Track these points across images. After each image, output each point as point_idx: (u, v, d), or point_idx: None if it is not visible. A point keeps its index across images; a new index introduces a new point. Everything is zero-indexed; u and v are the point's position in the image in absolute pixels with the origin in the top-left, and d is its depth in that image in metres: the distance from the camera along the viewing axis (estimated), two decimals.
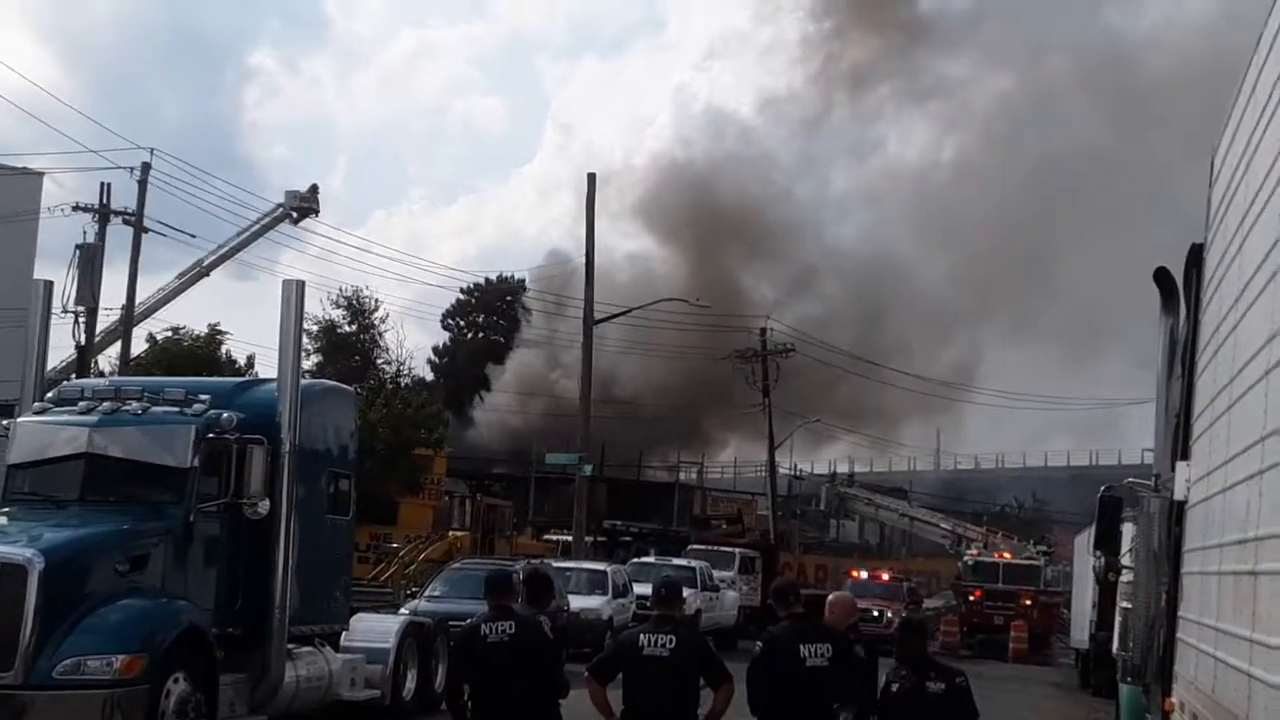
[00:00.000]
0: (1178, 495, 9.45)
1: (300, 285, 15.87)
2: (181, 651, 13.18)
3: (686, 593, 32.67)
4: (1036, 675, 36.65)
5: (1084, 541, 34.29)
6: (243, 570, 14.63)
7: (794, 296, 68.92)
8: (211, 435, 14.30)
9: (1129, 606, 12.77)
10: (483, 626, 9.62)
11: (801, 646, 9.39)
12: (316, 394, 16.62)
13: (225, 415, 14.48)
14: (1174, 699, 9.02)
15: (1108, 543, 13.50)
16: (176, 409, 14.61)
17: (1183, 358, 10.34)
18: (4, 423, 15.02)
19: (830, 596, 10.74)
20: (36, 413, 14.93)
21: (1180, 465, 9.46)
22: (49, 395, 15.61)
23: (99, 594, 12.95)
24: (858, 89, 78.39)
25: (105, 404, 14.57)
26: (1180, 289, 10.45)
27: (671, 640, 9.40)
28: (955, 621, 44.68)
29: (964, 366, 70.23)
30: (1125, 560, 13.58)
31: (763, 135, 79.31)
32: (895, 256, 73.67)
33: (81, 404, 14.70)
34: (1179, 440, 10.14)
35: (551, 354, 70.82)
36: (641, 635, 9.56)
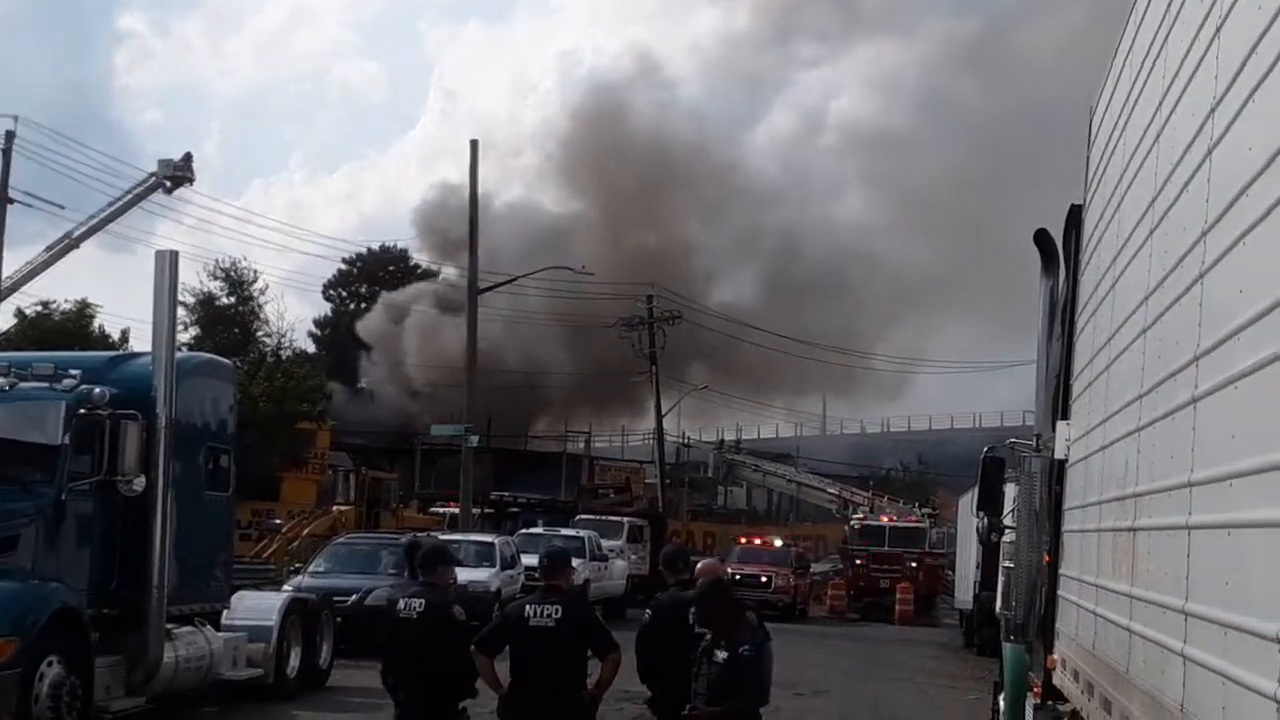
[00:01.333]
0: (1058, 454, 9.52)
1: (174, 255, 15.46)
2: (55, 634, 12.81)
3: (575, 562, 32.91)
4: (922, 636, 37.19)
5: (968, 503, 34.78)
6: (118, 549, 14.27)
7: (690, 263, 68.95)
8: (83, 411, 13.89)
9: (1011, 566, 12.90)
10: (528, 608, 9.47)
11: (529, 608, 9.39)
12: (193, 367, 16.27)
13: (97, 390, 14.08)
14: (1055, 655, 9.10)
15: (990, 503, 13.58)
16: (46, 384, 14.19)
17: (1062, 318, 10.42)
18: None
19: (699, 564, 10.75)
20: None
21: (1060, 425, 9.53)
22: None
23: None
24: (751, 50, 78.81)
25: None
26: (1060, 250, 10.49)
27: (558, 611, 9.36)
28: (843, 585, 45.16)
29: (856, 333, 70.85)
30: (1008, 521, 13.71)
31: (652, 99, 79.17)
32: (789, 223, 74.03)
33: None
34: (1059, 400, 10.23)
35: (435, 323, 70.25)
36: (528, 606, 9.50)
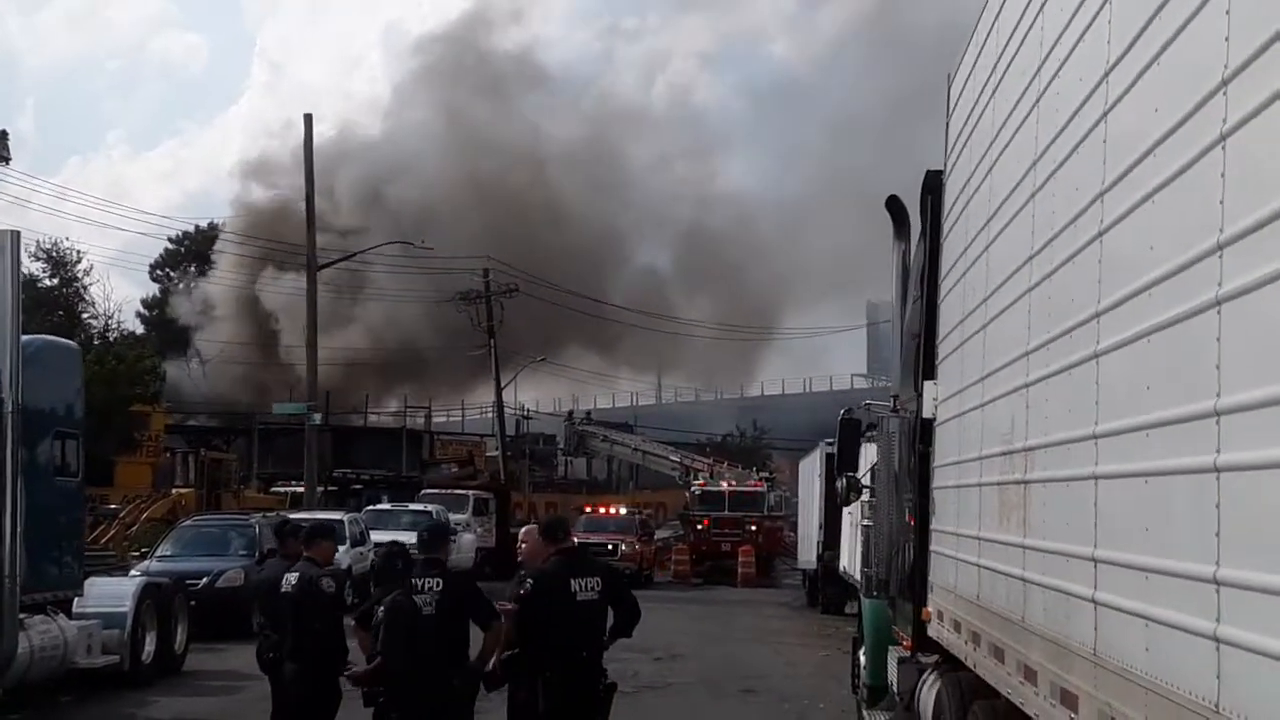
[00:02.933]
0: (925, 413, 9.79)
1: (15, 235, 14.93)
2: None
3: None
4: (765, 598, 37.89)
5: (808, 466, 35.56)
6: None
7: (533, 236, 68.84)
8: None
9: (871, 524, 13.23)
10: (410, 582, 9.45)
11: (572, 581, 9.51)
12: (37, 351, 15.76)
13: None
14: (930, 608, 9.39)
15: (848, 464, 13.90)
16: None
17: (920, 282, 10.70)
18: None
19: (522, 530, 10.91)
20: None
21: (927, 385, 9.79)
22: None
23: None
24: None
25: None
26: (921, 215, 10.75)
27: (439, 583, 9.42)
28: (686, 550, 45.69)
29: (687, 303, 71.48)
30: (865, 481, 14.05)
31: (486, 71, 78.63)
32: (620, 191, 74.21)
33: None
34: (919, 362, 10.51)
35: (255, 300, 69.11)
36: (410, 580, 9.51)
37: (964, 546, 8.07)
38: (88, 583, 17.16)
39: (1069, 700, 5.30)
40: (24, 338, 14.98)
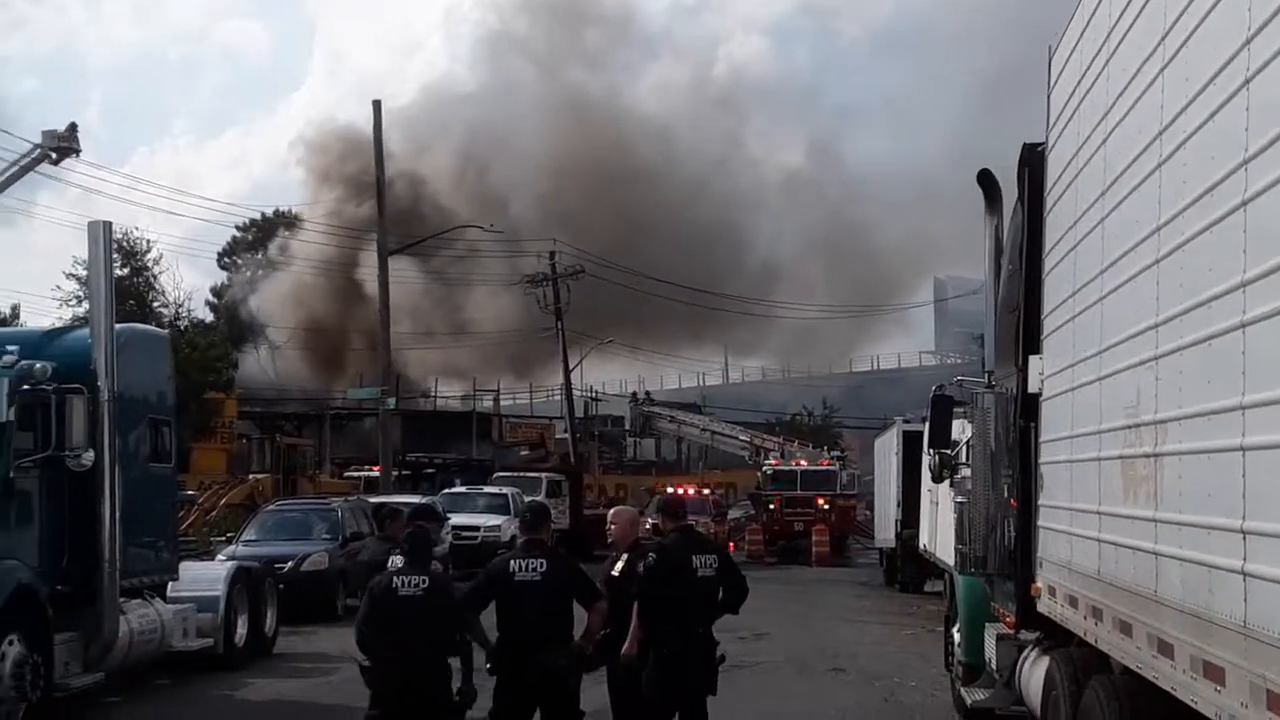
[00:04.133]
0: (1031, 389, 9.72)
1: (108, 225, 15.20)
2: (13, 613, 12.67)
3: (501, 520, 33.09)
4: (841, 576, 37.78)
5: (884, 444, 35.37)
6: (68, 525, 14.08)
7: (590, 220, 68.90)
8: (26, 387, 13.65)
9: (965, 501, 13.16)
10: (513, 564, 9.49)
11: (694, 558, 9.76)
12: (131, 339, 15.98)
13: (39, 365, 13.84)
14: (1039, 584, 9.33)
15: (941, 440, 13.81)
16: None
17: (1021, 256, 10.60)
18: None
19: (611, 511, 10.95)
20: None
21: (1032, 360, 9.72)
22: None
23: None
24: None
25: None
26: (1019, 189, 10.65)
27: (543, 564, 9.48)
28: (759, 530, 45.65)
29: (753, 281, 71.20)
30: (956, 456, 13.96)
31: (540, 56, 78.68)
32: (690, 173, 73.98)
33: None
34: (1020, 337, 10.42)
35: (330, 284, 69.59)
36: (512, 561, 9.59)
37: (1080, 521, 8.01)
38: (181, 567, 17.40)
39: (1213, 673, 5.26)
40: (116, 326, 15.20)
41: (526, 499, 38.15)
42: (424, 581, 9.27)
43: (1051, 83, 9.62)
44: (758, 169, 78.56)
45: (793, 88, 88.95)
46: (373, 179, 41.39)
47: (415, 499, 31.03)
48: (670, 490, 46.96)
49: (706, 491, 50.23)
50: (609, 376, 76.21)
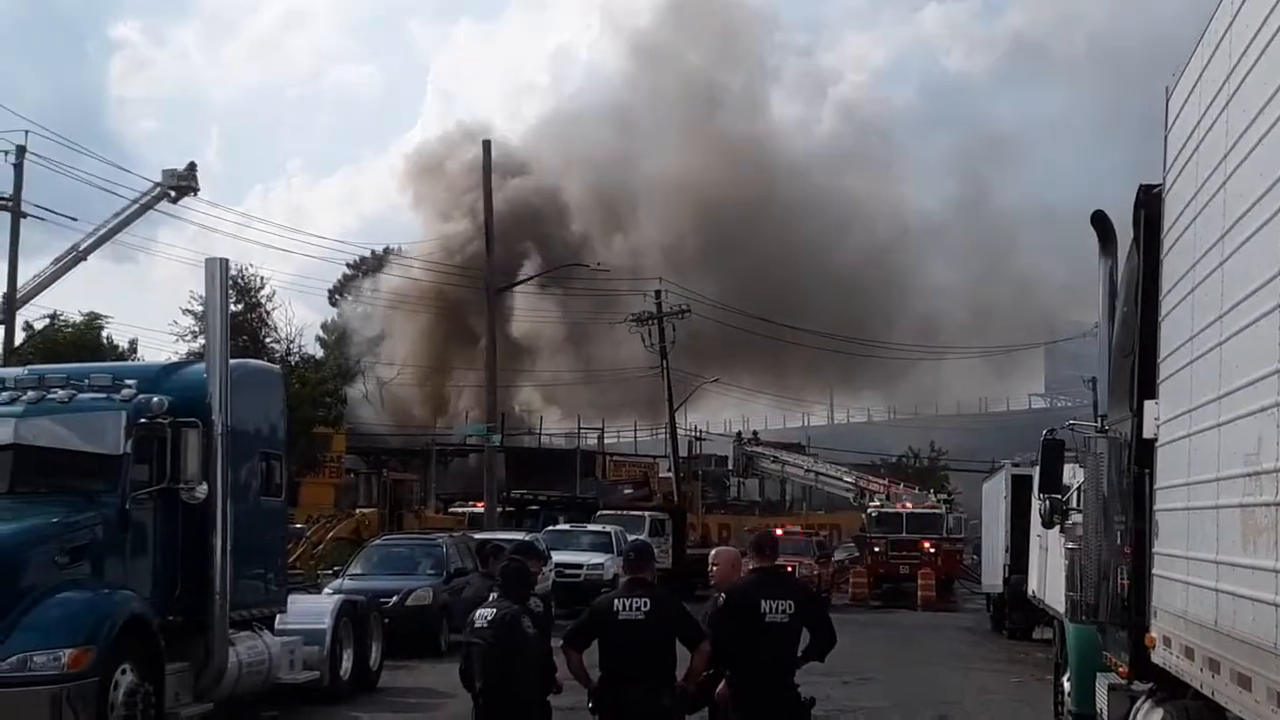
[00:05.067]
0: (1146, 434, 9.54)
1: (224, 263, 15.51)
2: (127, 642, 12.87)
3: (604, 558, 33.09)
4: (947, 621, 37.30)
5: (992, 488, 34.91)
6: (180, 556, 14.31)
7: (700, 258, 69.13)
8: (143, 420, 13.94)
9: (1076, 548, 12.93)
10: (616, 602, 9.49)
11: (763, 601, 9.43)
12: (245, 374, 16.26)
13: (155, 399, 14.13)
14: (1154, 634, 9.13)
15: (1052, 485, 13.60)
16: (104, 395, 14.22)
17: (1136, 298, 10.43)
18: None
19: (712, 552, 10.79)
20: None
21: (1148, 405, 9.55)
22: None
23: (39, 587, 12.58)
24: (737, 41, 78.84)
25: (30, 393, 14.14)
26: (1134, 230, 10.50)
27: (646, 603, 9.43)
28: (864, 573, 45.27)
29: (862, 322, 70.78)
30: (1067, 502, 13.75)
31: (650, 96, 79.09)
32: (790, 214, 73.88)
33: (4, 394, 14.24)
34: (1135, 381, 10.25)
35: (438, 320, 70.34)
36: (616, 600, 9.56)
37: (1197, 570, 7.82)
38: (288, 600, 17.59)
39: None
40: (230, 361, 15.48)
41: (630, 537, 38.14)
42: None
43: (1169, 124, 9.47)
44: (864, 207, 78.17)
45: (898, 127, 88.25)
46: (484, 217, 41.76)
47: (518, 536, 31.22)
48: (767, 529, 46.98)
49: (807, 532, 49.83)
50: (714, 416, 76.20)
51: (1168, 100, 9.51)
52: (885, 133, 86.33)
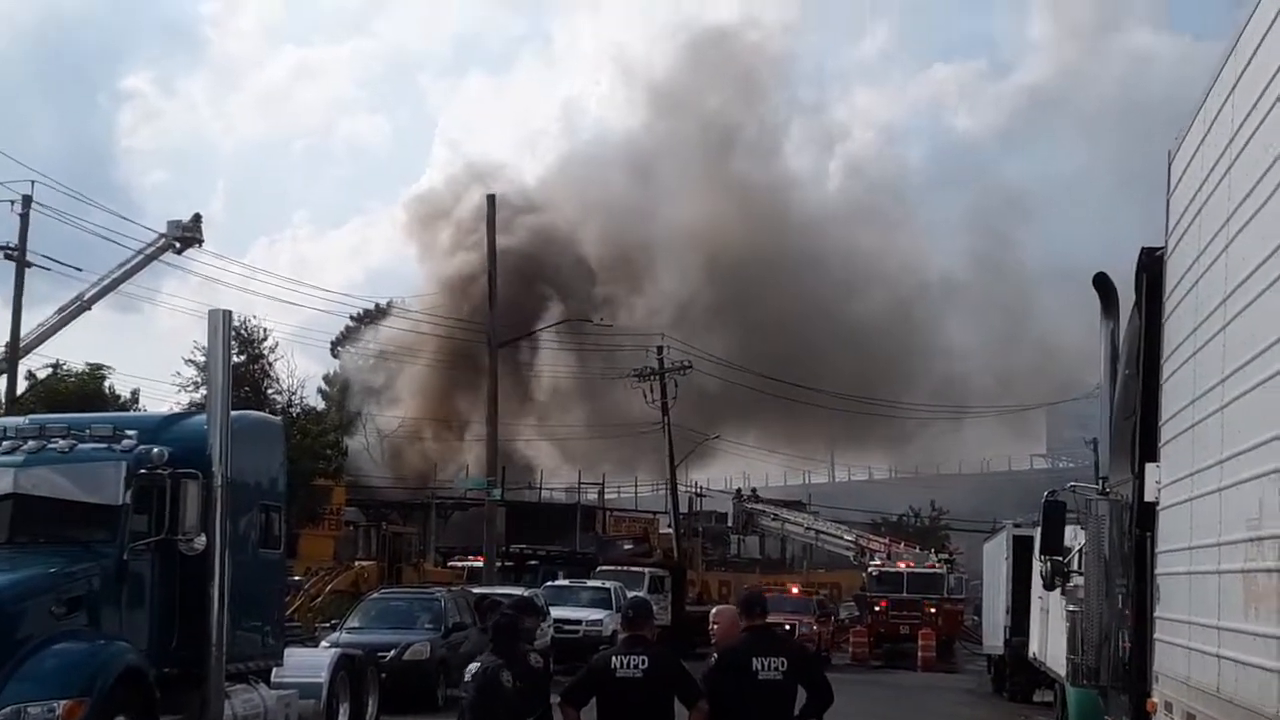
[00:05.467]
0: (1147, 497, 9.53)
1: (227, 315, 15.50)
2: (122, 694, 12.77)
3: (604, 614, 32.96)
4: (948, 683, 37.08)
5: (993, 548, 34.79)
6: (177, 608, 14.23)
7: (699, 315, 69.22)
8: (143, 471, 13.90)
9: (1077, 610, 12.90)
10: (614, 659, 9.48)
11: (754, 660, 9.37)
12: (245, 426, 16.20)
13: (156, 450, 14.09)
14: (1155, 699, 9.08)
15: (1054, 547, 13.58)
16: (104, 445, 14.20)
17: (1138, 361, 10.45)
18: None
19: (713, 611, 10.75)
20: None
21: (1149, 468, 9.54)
22: None
23: (35, 638, 12.50)
24: (750, 94, 79.31)
25: (30, 442, 14.11)
26: (1136, 293, 10.52)
27: (644, 661, 9.40)
28: (864, 632, 45.06)
29: (862, 380, 70.73)
30: (1069, 564, 13.72)
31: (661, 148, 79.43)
32: (803, 268, 74.02)
33: (4, 443, 14.21)
34: (1136, 443, 10.24)
35: (439, 373, 70.36)
36: (614, 657, 9.53)
37: (1199, 635, 7.79)
38: (285, 653, 17.50)
39: None
40: (232, 413, 15.46)
41: (629, 593, 38.04)
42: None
43: (1171, 187, 9.51)
44: (875, 264, 78.24)
45: (908, 184, 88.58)
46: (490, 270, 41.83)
47: (517, 591, 31.13)
48: (766, 589, 46.80)
49: (804, 591, 49.67)
50: (717, 472, 76.01)
51: (1170, 164, 9.56)
52: (896, 189, 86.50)
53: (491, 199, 40.72)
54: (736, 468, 76.97)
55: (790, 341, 68.34)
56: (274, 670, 16.75)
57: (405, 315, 72.24)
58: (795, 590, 47.02)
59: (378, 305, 78.80)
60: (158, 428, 15.26)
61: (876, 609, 45.72)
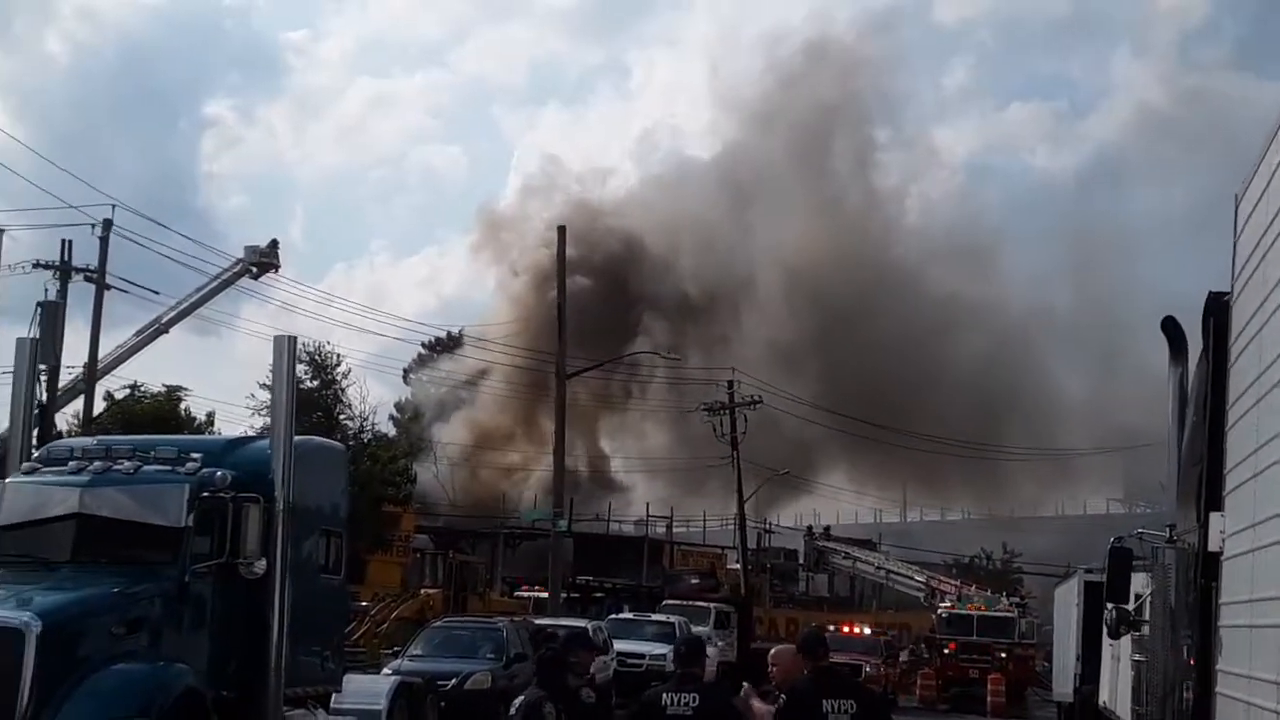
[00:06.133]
0: (1211, 546, 9.32)
1: (292, 341, 15.69)
2: (180, 716, 12.88)
3: (667, 649, 32.79)
4: None
5: (1065, 594, 34.31)
6: (237, 631, 14.33)
7: (772, 351, 69.02)
8: (206, 494, 14.05)
9: (1143, 660, 12.67)
10: (665, 696, 9.42)
11: (824, 701, 9.28)
12: (309, 451, 16.33)
13: (219, 473, 14.24)
14: None
15: (1120, 594, 13.34)
16: (169, 467, 14.36)
17: (1203, 407, 10.26)
18: None
19: (772, 651, 10.64)
20: (25, 473, 14.63)
21: (1214, 517, 9.33)
22: (37, 455, 15.32)
23: (96, 658, 12.65)
24: (816, 140, 79.07)
25: (96, 463, 14.31)
26: (1203, 338, 10.33)
27: (695, 699, 9.36)
28: (932, 675, 44.56)
29: (933, 419, 70.08)
30: (1135, 612, 13.49)
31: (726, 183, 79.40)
32: (870, 310, 73.62)
33: (71, 464, 14.42)
34: (1201, 491, 10.04)
35: (511, 402, 70.63)
36: (665, 694, 9.48)
37: (1259, 691, 7.59)
38: (344, 679, 17.55)
39: None
40: (295, 438, 15.58)
41: (694, 628, 37.87)
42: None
43: (1238, 230, 9.33)
44: (960, 303, 77.47)
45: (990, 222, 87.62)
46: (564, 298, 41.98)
47: (579, 623, 31.09)
48: (835, 628, 46.43)
49: (876, 630, 49.20)
50: (785, 509, 75.56)
51: (1237, 206, 9.39)
52: (980, 226, 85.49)
53: (562, 230, 40.82)
54: (808, 504, 76.51)
55: (873, 378, 67.94)
56: (333, 696, 16.83)
57: (477, 344, 72.86)
58: (859, 630, 46.55)
59: (449, 334, 79.45)
60: (222, 451, 15.42)
61: (946, 651, 45.19)
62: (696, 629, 38.01)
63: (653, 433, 69.30)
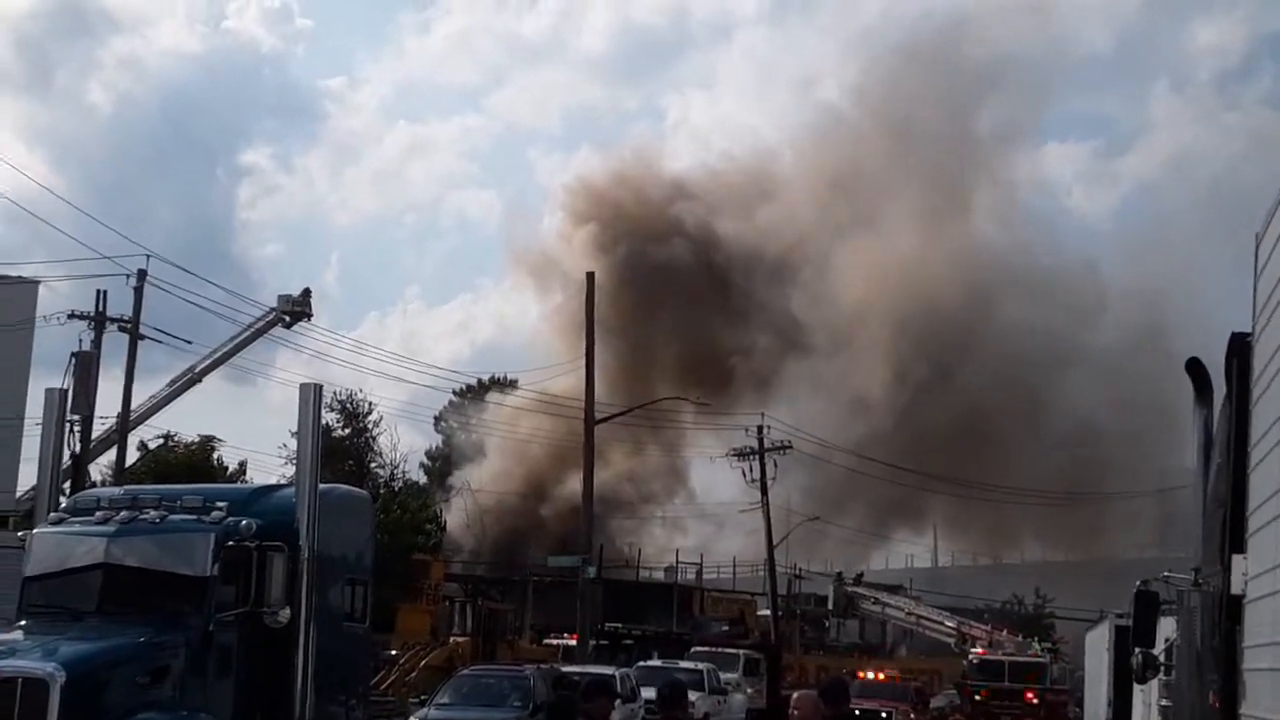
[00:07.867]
0: (1234, 589, 9.26)
1: (318, 389, 15.78)
2: None
3: (694, 695, 32.65)
4: None
5: (1095, 639, 34.01)
6: (261, 681, 14.37)
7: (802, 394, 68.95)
8: (231, 543, 14.13)
9: (1169, 704, 12.56)
10: None
11: None
12: (334, 500, 16.38)
13: (244, 522, 14.31)
14: None
15: (1145, 639, 13.22)
16: (194, 517, 14.45)
17: (1227, 449, 10.21)
18: (20, 534, 14.82)
19: (794, 696, 10.57)
20: (53, 523, 14.74)
21: (1236, 559, 9.27)
22: (64, 505, 15.43)
23: (120, 707, 12.75)
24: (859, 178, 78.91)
25: (122, 513, 14.42)
26: (1226, 379, 10.29)
27: None
28: None
29: (961, 462, 69.68)
30: (1162, 656, 13.37)
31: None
32: (898, 350, 73.37)
33: (98, 513, 14.54)
34: (1225, 533, 9.98)
35: (529, 450, 70.55)
36: None
37: None
38: None
39: None
40: (320, 486, 15.64)
41: (723, 675, 37.71)
42: None
43: (1258, 270, 9.31)
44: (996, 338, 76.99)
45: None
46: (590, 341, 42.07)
47: (605, 670, 30.97)
48: (864, 675, 46.15)
49: (905, 677, 48.88)
50: (815, 554, 75.15)
51: (1257, 246, 9.37)
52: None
53: (591, 277, 40.96)
54: (839, 552, 76.05)
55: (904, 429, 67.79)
56: None
57: (509, 392, 73.01)
58: (884, 676, 46.25)
59: (480, 381, 79.53)
60: (247, 500, 15.48)
61: (977, 698, 44.81)
62: (725, 675, 37.96)
63: (686, 477, 69.14)
